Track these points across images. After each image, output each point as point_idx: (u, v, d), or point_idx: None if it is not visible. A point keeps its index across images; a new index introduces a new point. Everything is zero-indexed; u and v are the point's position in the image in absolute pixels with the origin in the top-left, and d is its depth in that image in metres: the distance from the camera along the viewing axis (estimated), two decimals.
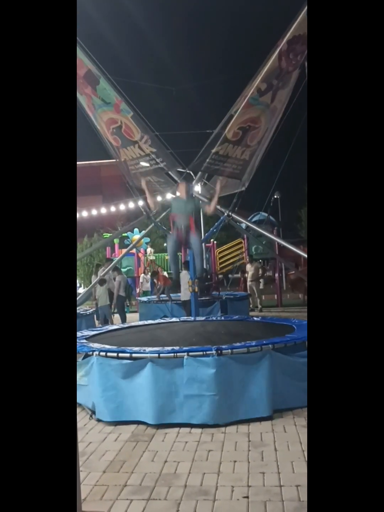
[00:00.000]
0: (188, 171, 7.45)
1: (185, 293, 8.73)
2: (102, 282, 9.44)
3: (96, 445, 3.62)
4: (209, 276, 11.98)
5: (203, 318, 7.14)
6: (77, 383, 4.18)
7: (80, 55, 6.46)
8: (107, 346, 4.49)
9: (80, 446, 3.48)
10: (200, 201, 6.73)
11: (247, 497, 2.68)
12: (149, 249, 16.37)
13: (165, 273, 14.43)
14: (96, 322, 9.91)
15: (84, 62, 6.60)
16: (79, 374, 4.39)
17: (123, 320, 10.02)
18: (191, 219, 5.93)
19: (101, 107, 7.02)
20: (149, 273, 14.82)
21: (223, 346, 4.09)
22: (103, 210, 17.54)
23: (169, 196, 8.46)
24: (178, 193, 6.38)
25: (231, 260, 16.18)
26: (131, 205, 16.30)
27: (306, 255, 6.99)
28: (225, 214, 7.55)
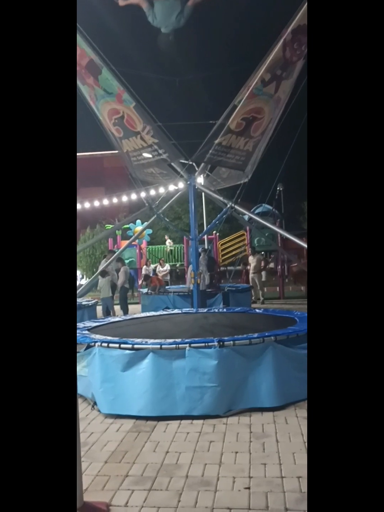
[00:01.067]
0: (190, 163, 7.41)
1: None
2: (104, 273, 9.44)
3: (98, 435, 3.63)
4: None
5: (205, 310, 7.15)
6: (79, 374, 4.20)
7: (83, 45, 6.40)
8: (109, 337, 4.49)
9: (82, 437, 3.49)
10: None
11: (249, 488, 2.68)
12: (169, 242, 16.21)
13: (167, 266, 14.44)
14: (99, 313, 9.94)
15: (86, 52, 6.54)
16: (81, 365, 4.39)
17: (125, 312, 10.03)
18: None
19: (104, 97, 6.97)
20: (151, 265, 14.82)
21: (225, 338, 4.09)
22: (106, 202, 17.46)
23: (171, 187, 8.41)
24: None
25: (234, 252, 16.16)
26: (134, 196, 16.25)
27: None
28: (228, 205, 7.52)
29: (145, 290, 11.61)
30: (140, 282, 14.15)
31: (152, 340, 4.18)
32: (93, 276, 10.01)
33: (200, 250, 11.16)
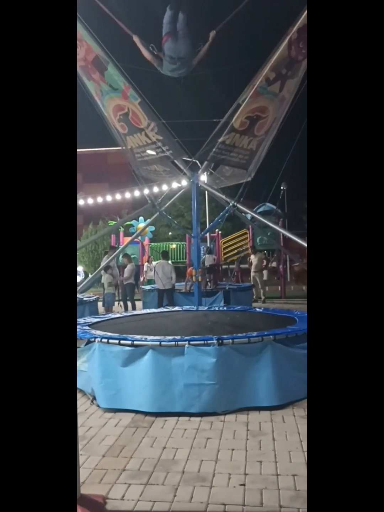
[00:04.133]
0: (194, 160, 7.42)
1: (163, 282, 9.24)
2: (106, 269, 9.49)
3: (97, 429, 3.67)
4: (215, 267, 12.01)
5: (205, 308, 7.16)
6: (79, 369, 4.22)
7: (89, 40, 6.41)
8: (109, 333, 4.52)
9: (81, 431, 3.52)
10: None
11: (244, 484, 2.70)
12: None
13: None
14: (101, 308, 9.96)
15: (93, 48, 6.55)
16: (81, 360, 4.42)
17: (133, 307, 10.09)
18: None
19: (109, 93, 6.97)
20: (153, 262, 14.82)
21: (224, 336, 4.11)
22: (109, 198, 17.49)
23: (174, 185, 8.42)
24: None
25: (236, 251, 16.16)
26: (137, 193, 16.27)
27: None
28: (230, 204, 7.52)
29: (147, 287, 11.63)
30: (142, 278, 14.18)
31: (151, 337, 4.21)
32: (95, 272, 10.03)
33: (204, 249, 11.20)
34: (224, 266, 17.34)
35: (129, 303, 10.42)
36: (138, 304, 11.67)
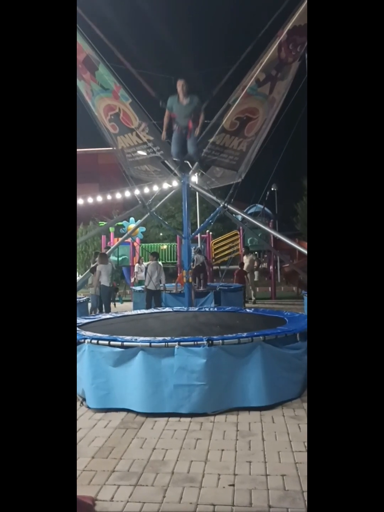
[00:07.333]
0: (184, 161, 7.43)
1: (152, 283, 9.17)
2: (94, 270, 9.41)
3: (86, 431, 3.65)
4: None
5: (196, 309, 7.17)
6: None
7: (79, 40, 6.40)
8: (99, 334, 4.50)
9: None
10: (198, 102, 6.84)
11: (233, 485, 2.71)
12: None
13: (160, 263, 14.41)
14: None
15: (83, 47, 6.54)
16: None
17: (107, 311, 9.34)
18: (189, 123, 6.63)
19: (99, 93, 6.97)
20: (144, 262, 14.79)
21: (214, 337, 4.12)
22: (99, 198, 17.42)
23: (165, 185, 8.40)
24: (178, 95, 6.67)
25: (226, 252, 16.20)
26: (128, 193, 16.23)
27: (301, 248, 7.01)
28: (221, 205, 7.54)
29: (138, 288, 11.60)
30: (132, 279, 14.13)
31: (141, 338, 4.20)
32: (85, 273, 9.98)
33: (194, 250, 11.23)
34: (215, 267, 17.35)
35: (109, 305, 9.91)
36: (130, 305, 11.66)
